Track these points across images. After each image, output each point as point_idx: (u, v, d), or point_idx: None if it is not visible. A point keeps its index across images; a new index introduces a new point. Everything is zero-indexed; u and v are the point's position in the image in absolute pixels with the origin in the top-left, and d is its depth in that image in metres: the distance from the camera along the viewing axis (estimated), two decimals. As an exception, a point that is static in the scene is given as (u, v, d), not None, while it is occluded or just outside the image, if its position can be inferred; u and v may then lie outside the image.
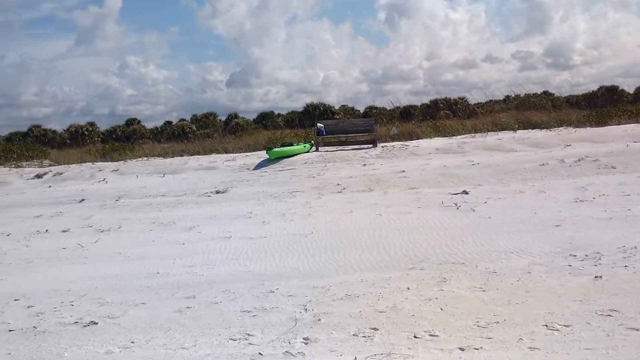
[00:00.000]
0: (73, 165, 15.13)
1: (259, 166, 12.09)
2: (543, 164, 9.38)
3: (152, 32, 54.60)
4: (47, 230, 7.14)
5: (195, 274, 4.74)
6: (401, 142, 14.34)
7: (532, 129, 15.76)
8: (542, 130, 15.03)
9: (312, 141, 14.67)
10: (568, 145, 11.34)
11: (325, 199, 8.00)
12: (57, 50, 54.80)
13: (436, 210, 6.65)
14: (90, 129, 35.42)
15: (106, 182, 11.81)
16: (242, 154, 15.01)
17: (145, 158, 16.52)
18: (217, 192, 9.26)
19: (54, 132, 34.80)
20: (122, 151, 21.42)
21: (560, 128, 14.93)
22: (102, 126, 34.61)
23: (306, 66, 48.56)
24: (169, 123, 35.13)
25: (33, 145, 31.17)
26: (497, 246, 4.91)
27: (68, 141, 32.31)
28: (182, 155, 16.53)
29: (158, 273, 4.84)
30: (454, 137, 15.45)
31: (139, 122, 36.92)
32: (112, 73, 49.37)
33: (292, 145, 13.46)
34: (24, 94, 44.93)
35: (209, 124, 33.09)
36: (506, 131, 15.59)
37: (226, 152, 17.30)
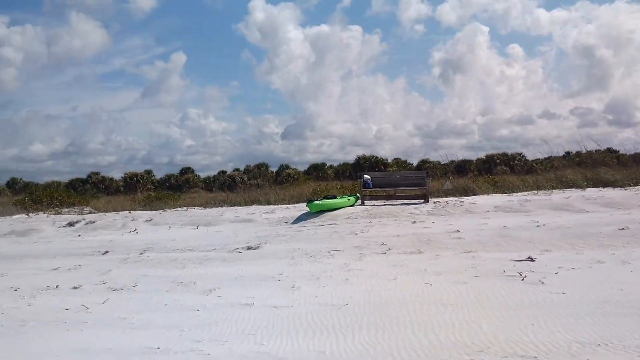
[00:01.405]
0: (110, 213, 14.99)
1: (298, 220, 11.44)
2: (622, 228, 8.26)
3: (213, 86, 59.08)
4: (57, 286, 6.64)
5: (200, 353, 4.02)
6: (455, 198, 13.42)
7: (603, 187, 14.53)
8: (615, 189, 13.76)
9: (358, 194, 13.98)
10: (650, 207, 10.14)
11: (367, 261, 7.19)
12: (125, 102, 60.37)
13: (497, 280, 5.72)
14: (145, 176, 36.90)
15: (137, 232, 11.44)
16: (283, 206, 14.45)
17: (185, 208, 16.24)
18: (249, 248, 8.62)
19: (111, 179, 36.71)
20: (166, 200, 21.51)
21: (636, 187, 13.62)
22: (159, 174, 36.33)
23: (360, 120, 50.46)
24: (223, 173, 36.03)
25: (91, 189, 32.76)
26: (577, 334, 3.96)
27: (122, 188, 33.58)
28: (222, 206, 16.15)
29: (158, 348, 4.15)
30: (514, 194, 14.40)
31: (192, 171, 38.26)
32: (174, 124, 53.63)
33: (336, 198, 12.79)
34: (91, 142, 49.50)
35: (260, 174, 33.74)
36: (573, 189, 14.41)
37: (268, 204, 16.86)
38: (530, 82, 52.07)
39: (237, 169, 35.25)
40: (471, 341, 3.93)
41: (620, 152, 23.09)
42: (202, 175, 35.04)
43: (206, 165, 58.35)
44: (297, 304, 5.23)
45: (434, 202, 12.58)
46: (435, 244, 8.18)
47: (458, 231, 9.07)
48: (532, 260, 6.64)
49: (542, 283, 5.49)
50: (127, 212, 15.46)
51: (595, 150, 23.19)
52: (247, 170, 35.39)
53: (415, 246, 8.07)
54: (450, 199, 13.22)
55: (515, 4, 52.39)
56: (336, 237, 9.28)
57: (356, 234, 9.47)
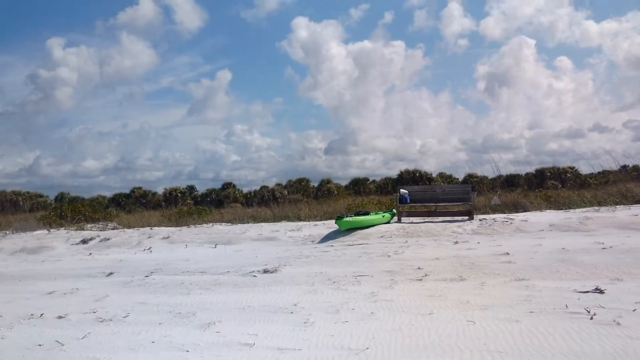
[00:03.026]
0: (129, 230, 14.49)
1: (325, 239, 10.60)
2: None
3: (258, 102, 60.50)
4: (42, 315, 5.97)
5: (171, 415, 3.20)
6: (504, 215, 12.30)
7: (676, 202, 13.12)
8: (691, 204, 12.37)
9: (394, 210, 13.04)
10: None
11: (399, 290, 6.26)
12: (172, 118, 61.90)
13: (558, 318, 4.71)
14: (185, 191, 37.53)
15: (150, 251, 10.82)
16: (312, 222, 13.63)
17: (210, 224, 15.64)
18: (265, 272, 7.81)
19: (154, 193, 37.72)
20: (197, 215, 21.05)
21: None
22: (203, 189, 37.82)
23: (403, 134, 51.23)
24: (265, 187, 36.36)
25: (133, 204, 33.49)
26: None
27: (163, 203, 33.98)
28: (247, 222, 15.47)
29: (122, 406, 3.36)
30: (571, 210, 13.15)
31: (234, 186, 38.92)
32: (219, 140, 55.17)
33: (369, 214, 11.88)
34: (139, 158, 51.34)
35: (301, 189, 33.66)
36: (640, 205, 13.05)
37: (298, 220, 16.09)
38: (580, 95, 50.91)
39: (279, 184, 35.36)
40: (528, 411, 2.98)
41: None
42: (245, 190, 35.38)
43: (252, 181, 60.96)
44: (306, 345, 4.36)
45: (480, 220, 11.51)
46: (481, 269, 7.17)
47: (507, 254, 8.03)
48: (601, 292, 5.57)
49: (617, 324, 4.45)
50: (149, 228, 14.94)
51: None
52: (289, 185, 35.50)
53: (456, 271, 7.09)
54: (499, 216, 12.12)
55: (562, 16, 51.97)
56: (365, 260, 8.38)
57: (389, 256, 8.54)
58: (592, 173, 24.29)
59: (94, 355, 4.44)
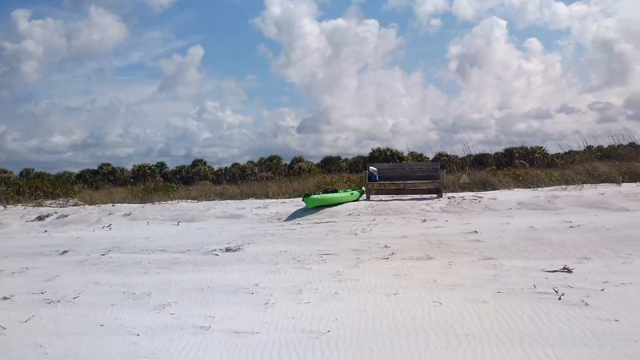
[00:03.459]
0: (90, 207, 14.02)
1: (292, 217, 10.38)
2: (676, 231, 7.10)
3: (230, 79, 60.54)
4: (-16, 296, 5.62)
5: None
6: (473, 193, 12.28)
7: (641, 182, 13.28)
8: (656, 184, 12.53)
9: (364, 188, 12.88)
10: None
11: (364, 269, 6.10)
12: (143, 94, 61.26)
13: (526, 299, 4.61)
14: (153, 168, 37.06)
15: (110, 228, 10.44)
16: (280, 200, 13.39)
17: (175, 201, 15.28)
18: (227, 250, 7.56)
19: (122, 170, 37.17)
20: (165, 192, 20.60)
21: (680, 182, 12.37)
22: (172, 167, 37.50)
23: (376, 114, 51.40)
24: (236, 165, 36.19)
25: (101, 182, 32.78)
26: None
27: (132, 180, 33.38)
28: (213, 199, 15.14)
29: (59, 397, 3.10)
30: (539, 188, 13.21)
31: (204, 163, 38.65)
32: (191, 117, 54.27)
33: (337, 191, 11.69)
34: (109, 134, 50.51)
35: (272, 166, 33.57)
36: (606, 184, 13.19)
37: (266, 197, 15.85)
38: (549, 77, 52.12)
39: (251, 162, 35.17)
40: (495, 398, 2.84)
41: None
42: (216, 167, 35.13)
43: (223, 158, 60.57)
44: (265, 328, 4.15)
45: (449, 198, 11.45)
46: (448, 247, 7.07)
47: (476, 232, 7.95)
48: (569, 271, 5.51)
49: (586, 304, 4.36)
50: (111, 205, 14.48)
51: (618, 145, 22.42)
52: (260, 163, 35.39)
53: (424, 250, 6.97)
54: (467, 194, 12.08)
55: (533, -3, 52.42)
56: (332, 238, 8.20)
57: (356, 234, 8.38)
58: (559, 153, 25.24)
59: (35, 340, 4.15)
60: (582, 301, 4.44)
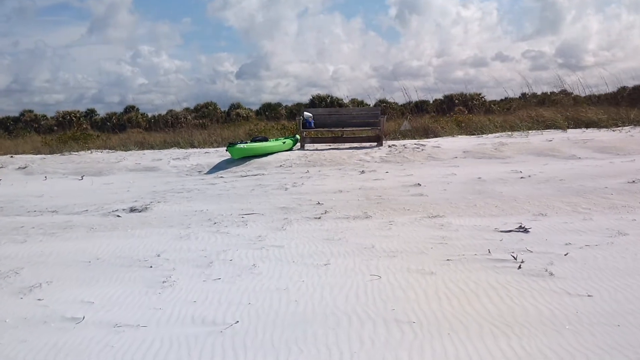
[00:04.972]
0: (-17, 158, 12.45)
1: (215, 169, 9.43)
2: (633, 181, 6.67)
3: (165, 22, 57.69)
4: None
5: None
6: (415, 141, 11.65)
7: (586, 127, 13.10)
8: (601, 130, 12.33)
9: (297, 136, 12.01)
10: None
11: (292, 231, 5.30)
12: (71, 37, 57.76)
13: (480, 268, 3.94)
14: (80, 114, 35.00)
15: (-2, 184, 9.14)
16: (204, 150, 12.33)
17: (90, 151, 13.91)
18: (132, 210, 6.57)
19: (45, 117, 34.51)
20: (83, 141, 19.04)
21: (626, 127, 12.20)
22: (104, 114, 35.26)
23: (316, 60, 52.01)
24: (171, 111, 34.87)
25: (23, 131, 30.25)
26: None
27: (55, 128, 31.20)
28: (129, 149, 13.87)
29: None
30: (484, 135, 12.77)
31: (137, 110, 37.20)
32: (125, 62, 51.79)
33: (267, 140, 10.77)
34: (36, 79, 47.13)
35: (208, 113, 32.54)
36: (552, 130, 12.92)
37: (192, 146, 14.71)
38: (485, 24, 52.57)
39: (187, 108, 33.86)
40: None
41: (574, 94, 22.71)
42: (150, 114, 33.46)
43: (160, 105, 57.81)
44: (155, 319, 3.28)
45: (389, 147, 10.77)
46: (389, 203, 6.37)
47: (419, 185, 7.29)
48: (525, 230, 4.91)
49: (551, 274, 3.74)
50: (10, 156, 12.94)
51: (550, 92, 22.98)
52: (196, 109, 34.13)
53: (361, 207, 6.23)
54: (409, 142, 11.45)
55: (472, -58, 53.07)
56: (258, 194, 7.34)
57: (286, 189, 7.55)
58: (496, 100, 26.19)
59: None
60: (546, 270, 3.81)
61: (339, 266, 4.14)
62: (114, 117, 35.55)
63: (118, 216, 6.35)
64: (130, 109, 37.67)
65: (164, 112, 33.45)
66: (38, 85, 46.54)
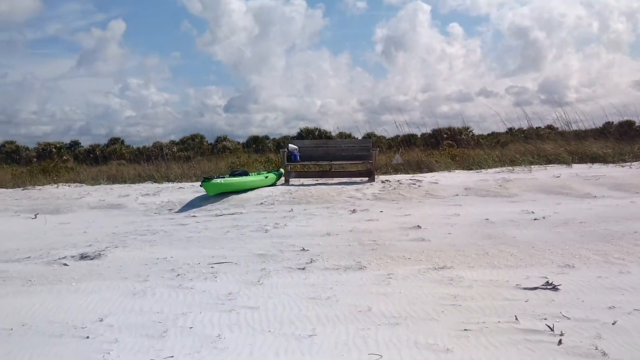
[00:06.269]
0: None
1: (188, 206, 8.60)
2: (665, 225, 5.93)
3: (154, 56, 59.18)
4: None
5: None
6: (410, 176, 10.92)
7: (592, 163, 12.49)
8: (609, 165, 11.72)
9: (282, 169, 11.24)
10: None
11: (270, 286, 4.46)
12: (60, 70, 59.15)
13: (509, 344, 3.12)
14: (61, 146, 34.85)
15: (-61, 224, 8.21)
16: (178, 184, 11.50)
17: (55, 185, 13.04)
18: (83, 257, 5.68)
19: (26, 148, 34.36)
20: (55, 173, 18.22)
21: (635, 163, 11.59)
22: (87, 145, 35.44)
23: (304, 94, 53.70)
24: (157, 143, 34.71)
25: (3, 163, 29.67)
26: None
27: (35, 159, 30.72)
28: (100, 183, 13.00)
29: None
30: (483, 170, 12.09)
31: (122, 142, 37.20)
32: (113, 94, 52.89)
33: (247, 174, 9.97)
34: (23, 111, 48.23)
35: (195, 145, 32.47)
36: (555, 165, 12.29)
37: (168, 181, 13.88)
38: (470, 61, 55.21)
39: (173, 141, 33.90)
40: None
41: (560, 129, 23.02)
42: (135, 146, 33.52)
43: (147, 137, 58.79)
44: None
45: (382, 182, 10.02)
46: (386, 250, 5.55)
47: (419, 227, 6.50)
48: (554, 287, 4.11)
49: (603, 354, 2.93)
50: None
51: (537, 127, 23.22)
52: (182, 142, 34.12)
53: (353, 255, 5.41)
54: (403, 177, 10.71)
55: (455, -17, 55.85)
56: (233, 237, 6.49)
57: (266, 231, 6.72)
58: (483, 134, 27.00)
59: None
60: (596, 347, 3.01)
61: (327, 338, 3.31)
62: (97, 149, 35.23)
63: (65, 264, 5.46)
64: (114, 140, 37.40)
65: (149, 145, 33.31)
66: (24, 116, 47.32)
